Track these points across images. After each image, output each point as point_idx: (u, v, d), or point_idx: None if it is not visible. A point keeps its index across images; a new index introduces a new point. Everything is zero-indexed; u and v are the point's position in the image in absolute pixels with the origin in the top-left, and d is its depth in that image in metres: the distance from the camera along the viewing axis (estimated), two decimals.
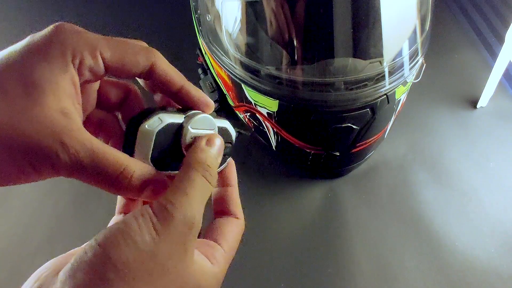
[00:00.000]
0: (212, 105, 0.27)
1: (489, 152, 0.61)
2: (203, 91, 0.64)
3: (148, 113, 0.24)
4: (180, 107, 0.26)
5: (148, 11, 0.86)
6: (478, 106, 0.66)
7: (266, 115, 0.49)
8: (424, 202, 0.56)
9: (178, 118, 0.24)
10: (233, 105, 0.57)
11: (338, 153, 0.50)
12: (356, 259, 0.51)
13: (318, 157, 0.51)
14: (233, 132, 0.29)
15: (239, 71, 0.48)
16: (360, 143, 0.49)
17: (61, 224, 0.55)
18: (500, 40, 0.74)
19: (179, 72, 0.25)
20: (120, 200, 0.28)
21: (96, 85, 0.25)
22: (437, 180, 0.58)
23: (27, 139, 0.19)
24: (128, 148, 0.23)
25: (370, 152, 0.55)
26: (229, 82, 0.51)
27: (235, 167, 0.29)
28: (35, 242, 0.53)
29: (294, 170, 0.59)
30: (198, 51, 0.64)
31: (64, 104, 0.20)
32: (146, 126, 0.23)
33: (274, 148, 0.56)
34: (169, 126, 0.24)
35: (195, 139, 0.25)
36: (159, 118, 0.23)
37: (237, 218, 0.27)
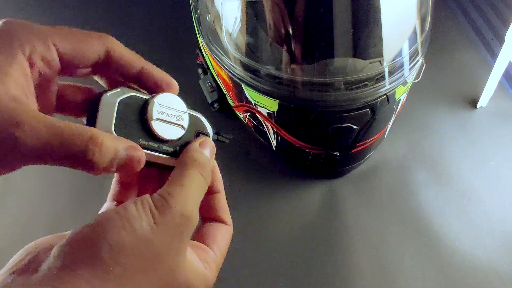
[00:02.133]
0: (176, 86, 0.27)
1: (489, 152, 0.61)
2: (203, 91, 0.65)
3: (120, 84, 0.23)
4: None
5: (148, 11, 0.86)
6: (478, 106, 0.66)
7: (266, 115, 0.49)
8: (424, 202, 0.56)
9: (142, 94, 0.24)
10: (233, 105, 0.57)
11: (338, 153, 0.50)
12: (356, 259, 0.51)
13: (318, 157, 0.51)
14: (208, 126, 0.28)
15: (239, 71, 0.47)
16: (360, 143, 0.49)
17: (60, 223, 0.55)
18: (500, 40, 0.74)
19: (137, 54, 0.25)
20: (113, 187, 0.28)
21: (54, 85, 0.23)
22: (437, 180, 0.58)
23: None
24: (91, 119, 0.22)
25: (370, 152, 0.55)
26: (229, 82, 0.51)
27: (220, 174, 0.28)
28: (34, 240, 0.53)
29: (294, 170, 0.59)
30: (198, 51, 0.64)
31: (14, 92, 0.18)
32: (108, 94, 0.22)
33: (274, 148, 0.56)
34: (133, 98, 0.23)
35: (191, 142, 0.25)
36: (121, 89, 0.23)
37: (227, 224, 0.27)
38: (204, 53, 0.59)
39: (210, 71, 0.62)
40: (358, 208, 0.55)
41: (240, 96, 0.51)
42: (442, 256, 0.51)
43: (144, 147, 0.23)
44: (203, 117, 0.28)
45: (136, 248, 0.19)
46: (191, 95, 0.69)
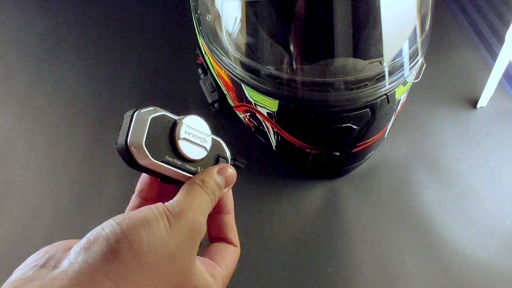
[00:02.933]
0: None
1: (489, 152, 0.61)
2: (203, 91, 0.65)
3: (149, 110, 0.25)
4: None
5: (148, 11, 0.86)
6: (478, 106, 0.66)
7: (266, 115, 0.49)
8: (424, 202, 0.56)
9: (172, 115, 0.26)
10: (233, 105, 0.57)
11: (338, 153, 0.50)
12: (357, 259, 0.51)
13: (318, 157, 0.51)
14: (227, 150, 0.30)
15: (239, 71, 0.48)
16: (360, 143, 0.49)
17: (61, 224, 0.55)
18: (500, 40, 0.74)
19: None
20: (133, 200, 0.29)
21: None
22: (437, 180, 0.58)
23: None
24: (123, 132, 0.24)
25: (370, 152, 0.55)
26: (229, 82, 0.51)
27: (232, 195, 0.29)
28: (35, 242, 0.53)
29: (294, 170, 0.59)
30: (198, 51, 0.64)
31: None
32: (142, 111, 0.24)
33: (274, 148, 0.56)
34: (164, 117, 0.25)
35: (218, 161, 0.28)
36: (154, 108, 0.25)
37: (235, 246, 0.28)
38: (204, 53, 0.59)
39: (210, 71, 0.62)
40: (358, 208, 0.55)
41: (240, 96, 0.51)
42: (443, 255, 0.51)
43: (169, 163, 0.25)
44: (223, 142, 0.30)
45: (153, 247, 0.20)
46: (191, 95, 0.69)
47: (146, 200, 0.28)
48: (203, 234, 0.23)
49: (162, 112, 0.25)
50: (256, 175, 0.60)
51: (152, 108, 0.25)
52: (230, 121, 0.64)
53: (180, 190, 0.25)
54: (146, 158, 0.24)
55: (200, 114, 0.28)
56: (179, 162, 0.26)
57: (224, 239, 0.28)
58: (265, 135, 0.54)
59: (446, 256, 0.51)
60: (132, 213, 0.21)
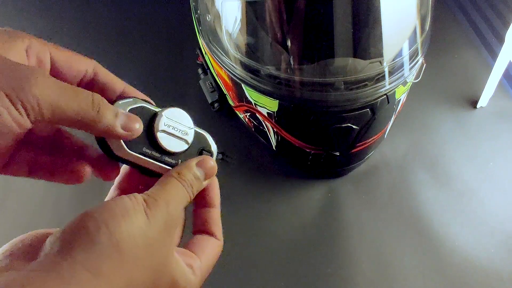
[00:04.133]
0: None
1: (489, 152, 0.61)
2: (203, 91, 0.65)
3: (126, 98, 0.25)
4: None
5: (148, 11, 0.86)
6: (478, 106, 0.66)
7: (266, 115, 0.49)
8: (424, 202, 0.56)
9: (152, 107, 0.26)
10: (233, 105, 0.57)
11: (338, 153, 0.50)
12: (356, 259, 0.51)
13: (318, 157, 0.51)
14: (213, 144, 0.29)
15: (239, 71, 0.48)
16: (360, 143, 0.49)
17: (61, 223, 0.55)
18: (500, 40, 0.74)
19: (118, 78, 0.27)
20: (111, 193, 0.29)
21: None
22: (437, 180, 0.58)
23: None
24: None
25: (370, 152, 0.55)
26: (229, 82, 0.51)
27: (218, 188, 0.29)
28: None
29: (294, 170, 0.59)
30: (198, 51, 0.64)
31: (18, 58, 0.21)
32: (120, 102, 0.24)
33: (274, 148, 0.56)
34: (143, 109, 0.25)
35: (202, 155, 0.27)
36: (133, 99, 0.25)
37: (218, 239, 0.28)
38: (204, 53, 0.59)
39: (210, 71, 0.62)
40: (358, 208, 0.55)
41: (240, 96, 0.51)
42: (442, 255, 0.51)
43: (146, 155, 0.25)
44: (209, 136, 0.29)
45: (132, 238, 0.20)
46: (191, 95, 0.69)
47: (124, 192, 0.28)
48: (180, 226, 0.24)
49: (142, 103, 0.25)
50: (256, 175, 0.60)
51: (131, 100, 0.25)
52: (230, 121, 0.64)
53: (156, 182, 0.24)
54: (122, 149, 0.24)
55: (183, 107, 0.27)
56: (157, 155, 0.25)
57: (207, 231, 0.28)
58: (265, 135, 0.54)
59: (445, 256, 0.51)
60: (110, 202, 0.21)
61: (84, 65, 0.24)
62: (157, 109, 0.26)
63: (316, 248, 0.52)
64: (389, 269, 0.50)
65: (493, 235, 0.52)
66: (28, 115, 0.19)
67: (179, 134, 0.26)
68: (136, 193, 0.22)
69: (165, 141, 0.25)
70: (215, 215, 0.28)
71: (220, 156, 0.32)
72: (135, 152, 0.24)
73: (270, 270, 0.50)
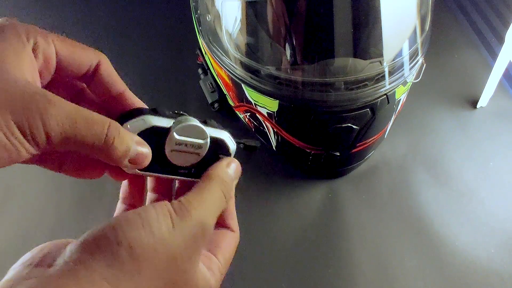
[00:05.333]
0: None
1: (489, 152, 0.61)
2: (203, 91, 0.65)
3: (136, 114, 0.23)
4: (175, 111, 0.26)
5: (148, 11, 0.86)
6: (478, 106, 0.66)
7: (266, 115, 0.49)
8: (424, 202, 0.56)
9: (165, 122, 0.24)
10: (233, 105, 0.57)
11: (338, 153, 0.50)
12: (356, 259, 0.51)
13: (318, 157, 0.51)
14: (231, 145, 0.28)
15: (239, 71, 0.48)
16: (360, 143, 0.49)
17: (63, 225, 0.55)
18: (500, 40, 0.74)
19: (121, 78, 0.26)
20: (123, 189, 0.28)
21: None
22: (437, 180, 0.58)
23: (10, 104, 0.18)
24: None
25: (370, 152, 0.55)
26: (229, 82, 0.51)
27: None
28: (36, 243, 0.53)
29: (294, 170, 0.59)
30: (198, 51, 0.64)
31: (27, 77, 0.20)
32: (128, 125, 0.23)
33: (274, 148, 0.56)
34: (153, 129, 0.23)
35: (219, 159, 0.26)
36: (143, 119, 0.23)
37: (233, 231, 0.27)
38: (204, 53, 0.59)
39: (210, 71, 0.62)
40: (358, 208, 0.55)
41: (240, 96, 0.51)
42: (442, 255, 0.51)
43: (159, 172, 0.25)
44: (227, 136, 0.28)
45: (153, 249, 0.19)
46: (191, 95, 0.69)
47: (131, 206, 0.28)
48: (210, 236, 0.23)
49: (151, 123, 0.23)
50: (256, 175, 0.60)
51: (141, 120, 0.23)
52: (230, 121, 0.64)
53: (194, 186, 0.24)
54: (133, 169, 0.24)
55: (183, 107, 0.27)
56: (169, 169, 0.25)
57: (222, 225, 0.27)
58: (265, 135, 0.54)
59: (445, 256, 0.51)
60: (133, 214, 0.20)
61: (88, 59, 0.23)
62: (167, 123, 0.24)
63: (316, 248, 0.52)
64: (389, 269, 0.50)
65: (493, 235, 0.52)
66: (37, 145, 0.19)
67: (192, 150, 0.25)
68: (165, 201, 0.22)
69: (177, 159, 0.25)
70: (230, 207, 0.28)
71: (242, 145, 0.31)
72: (146, 171, 0.24)
73: (270, 271, 0.50)
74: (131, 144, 0.22)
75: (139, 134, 0.23)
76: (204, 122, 0.26)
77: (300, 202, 0.57)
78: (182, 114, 0.25)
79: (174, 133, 0.24)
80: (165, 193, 0.29)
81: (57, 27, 0.83)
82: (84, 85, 0.26)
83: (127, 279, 0.19)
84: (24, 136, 0.18)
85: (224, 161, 0.26)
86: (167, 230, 0.20)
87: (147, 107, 0.25)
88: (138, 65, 0.74)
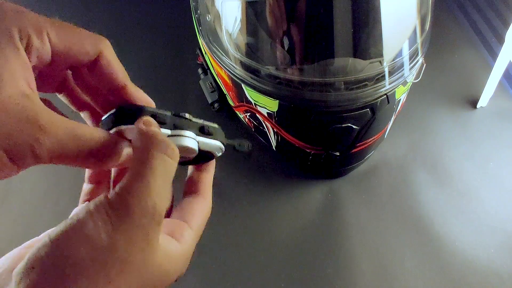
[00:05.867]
0: (153, 105, 0.26)
1: (489, 152, 0.61)
2: (203, 91, 0.65)
3: (135, 113, 0.23)
4: (170, 112, 0.25)
5: (148, 11, 0.86)
6: (478, 106, 0.66)
7: (266, 115, 0.49)
8: (424, 202, 0.56)
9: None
10: (233, 105, 0.57)
11: (338, 153, 0.50)
12: (356, 259, 0.51)
13: (318, 157, 0.51)
14: (219, 153, 0.28)
15: (239, 71, 0.48)
16: (360, 143, 0.49)
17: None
18: (500, 40, 0.74)
19: (124, 69, 0.24)
20: (84, 189, 0.28)
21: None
22: (437, 180, 0.58)
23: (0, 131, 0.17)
24: None
25: (370, 152, 0.55)
26: (229, 82, 0.51)
27: (214, 160, 0.28)
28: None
29: (294, 170, 0.59)
30: (198, 51, 0.64)
31: (23, 88, 0.18)
32: (124, 129, 0.22)
33: (274, 148, 0.56)
34: None
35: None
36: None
37: (205, 198, 0.27)
38: (204, 53, 0.59)
39: (210, 71, 0.62)
40: (358, 208, 0.55)
41: (240, 96, 0.51)
42: (442, 256, 0.51)
43: None
44: (217, 148, 0.27)
45: (97, 261, 0.18)
46: (191, 95, 0.69)
47: (98, 183, 0.27)
48: (162, 215, 0.20)
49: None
50: (256, 175, 0.60)
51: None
52: (230, 121, 0.64)
53: (129, 167, 0.21)
54: None
55: (183, 107, 0.26)
56: None
57: (195, 191, 0.27)
58: (265, 135, 0.54)
59: (445, 256, 0.51)
60: (66, 224, 0.19)
61: (86, 51, 0.21)
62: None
63: (316, 248, 0.52)
64: (389, 269, 0.50)
65: (493, 235, 0.52)
66: (24, 167, 0.18)
67: (181, 160, 0.24)
68: (102, 199, 0.19)
69: None
70: (206, 178, 0.27)
71: (234, 148, 0.30)
72: None
73: (270, 270, 0.50)
74: (122, 157, 0.22)
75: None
76: (202, 128, 0.25)
77: (300, 202, 0.57)
78: (181, 117, 0.25)
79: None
80: (103, 181, 0.28)
81: None
82: (69, 73, 0.25)
83: None
84: (12, 160, 0.18)
85: (139, 122, 0.22)
86: (107, 235, 0.19)
87: (147, 107, 0.24)
88: (138, 65, 0.74)
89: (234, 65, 0.48)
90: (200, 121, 0.26)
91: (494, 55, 0.72)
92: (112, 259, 0.19)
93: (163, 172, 0.21)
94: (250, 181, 0.59)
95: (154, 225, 0.20)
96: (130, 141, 0.23)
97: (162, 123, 0.23)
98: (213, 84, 0.63)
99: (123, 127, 0.22)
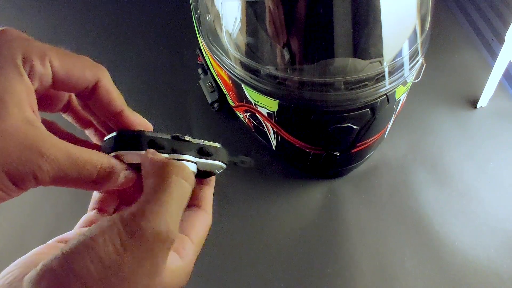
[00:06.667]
0: (151, 127, 0.26)
1: (489, 152, 0.61)
2: (203, 91, 0.65)
3: (134, 138, 0.23)
4: (169, 135, 0.25)
5: (148, 11, 0.86)
6: (478, 106, 0.66)
7: (266, 115, 0.49)
8: (424, 202, 0.56)
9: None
10: (233, 105, 0.57)
11: (338, 153, 0.50)
12: (356, 259, 0.51)
13: (318, 157, 0.51)
14: (215, 167, 0.28)
15: (239, 71, 0.48)
16: (360, 143, 0.49)
17: (60, 224, 0.55)
18: (500, 40, 0.74)
19: (121, 95, 0.25)
20: (94, 196, 0.29)
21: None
22: (437, 180, 0.58)
23: (3, 156, 0.18)
24: None
25: (370, 152, 0.55)
26: (229, 82, 0.51)
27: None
28: (33, 242, 0.53)
29: (294, 170, 0.59)
30: (198, 51, 0.64)
31: (26, 113, 0.19)
32: (123, 156, 0.23)
33: (274, 148, 0.56)
34: None
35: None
36: (139, 154, 0.23)
37: (206, 211, 0.27)
38: (204, 53, 0.59)
39: (210, 71, 0.62)
40: (358, 208, 0.55)
41: (240, 96, 0.51)
42: (442, 256, 0.51)
43: None
44: (217, 167, 0.27)
45: (105, 279, 0.19)
46: (191, 95, 0.69)
47: (102, 211, 0.28)
48: (173, 241, 0.20)
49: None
50: (256, 175, 0.60)
51: (136, 154, 0.23)
52: (230, 121, 0.64)
53: (145, 187, 0.21)
54: None
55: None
56: None
57: (196, 205, 0.27)
58: (265, 135, 0.54)
59: (445, 256, 0.51)
60: (80, 241, 0.19)
61: (86, 77, 0.23)
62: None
63: (316, 248, 0.52)
64: (389, 269, 0.50)
65: (493, 235, 0.52)
66: (25, 190, 0.20)
67: None
68: (116, 215, 0.20)
69: None
70: (207, 192, 0.28)
71: (235, 164, 0.30)
72: None
73: (270, 270, 0.50)
74: (120, 180, 0.23)
75: (131, 164, 0.23)
76: (201, 149, 0.26)
77: (300, 202, 0.57)
78: (180, 139, 0.25)
79: None
80: (114, 191, 0.28)
81: (57, 27, 0.83)
82: (73, 95, 0.26)
83: None
84: (14, 184, 0.19)
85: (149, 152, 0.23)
86: (117, 254, 0.19)
87: (146, 131, 0.24)
88: (138, 65, 0.74)
89: (234, 65, 0.48)
90: (200, 142, 0.26)
91: (494, 55, 0.72)
92: (118, 279, 0.19)
93: (180, 197, 0.21)
94: (250, 181, 0.59)
95: (164, 250, 0.20)
96: (128, 165, 0.24)
97: (161, 148, 0.24)
98: (213, 84, 0.63)
99: (121, 152, 0.23)
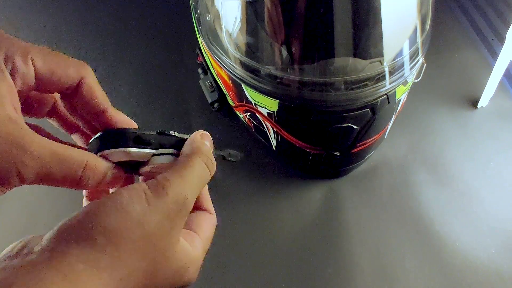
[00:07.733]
0: (135, 126, 0.27)
1: (490, 152, 0.60)
2: (203, 91, 0.65)
3: (119, 136, 0.23)
4: (155, 131, 0.26)
5: (148, 11, 0.86)
6: (478, 106, 0.66)
7: (266, 115, 0.49)
8: (425, 202, 0.56)
9: (144, 155, 0.24)
10: (233, 105, 0.57)
11: (338, 153, 0.50)
12: (356, 259, 0.51)
13: (318, 157, 0.51)
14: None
15: (239, 70, 0.47)
16: (360, 143, 0.49)
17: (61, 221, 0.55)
18: (501, 39, 0.74)
19: (105, 94, 0.25)
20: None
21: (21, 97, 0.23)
22: (437, 180, 0.58)
23: None
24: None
25: (370, 152, 0.55)
26: (229, 82, 0.51)
27: None
28: None
29: (294, 170, 0.59)
30: (198, 51, 0.64)
31: (8, 111, 0.19)
32: (108, 154, 0.23)
33: (274, 148, 0.56)
34: (132, 161, 0.24)
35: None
36: (124, 151, 0.23)
37: (211, 213, 0.28)
38: (204, 53, 0.59)
39: (210, 71, 0.62)
40: (358, 208, 0.55)
41: (240, 96, 0.51)
42: (443, 256, 0.51)
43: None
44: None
45: (129, 230, 0.20)
46: (191, 95, 0.69)
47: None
48: (189, 210, 0.22)
49: (131, 156, 0.24)
50: (256, 175, 0.60)
51: (121, 152, 0.23)
52: (230, 121, 0.64)
53: (174, 163, 0.24)
54: None
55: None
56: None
57: (199, 208, 0.28)
58: (265, 135, 0.54)
59: (446, 256, 0.50)
60: (105, 198, 0.20)
61: (69, 76, 0.23)
62: (146, 156, 0.24)
63: (316, 248, 0.52)
64: (390, 269, 0.50)
65: (494, 235, 0.52)
66: (9, 188, 0.19)
67: (164, 168, 0.25)
68: (140, 182, 0.22)
69: (149, 174, 0.26)
70: (204, 192, 0.28)
71: (222, 158, 0.31)
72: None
73: (270, 270, 0.50)
74: (107, 178, 0.23)
75: (120, 163, 0.24)
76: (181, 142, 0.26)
77: (300, 202, 0.57)
78: (167, 134, 0.25)
79: (150, 166, 0.25)
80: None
81: (56, 26, 0.83)
82: (58, 98, 0.26)
83: (106, 260, 0.19)
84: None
85: (197, 133, 0.26)
86: (142, 209, 0.20)
87: (131, 129, 0.24)
88: (138, 65, 0.74)
89: (234, 64, 0.48)
90: (186, 136, 0.26)
91: (494, 54, 0.72)
92: (141, 231, 0.20)
93: (200, 175, 0.24)
94: (250, 181, 0.59)
95: (181, 215, 0.22)
96: (114, 163, 0.24)
97: (147, 144, 0.24)
98: (213, 84, 0.63)
99: (106, 151, 0.23)
